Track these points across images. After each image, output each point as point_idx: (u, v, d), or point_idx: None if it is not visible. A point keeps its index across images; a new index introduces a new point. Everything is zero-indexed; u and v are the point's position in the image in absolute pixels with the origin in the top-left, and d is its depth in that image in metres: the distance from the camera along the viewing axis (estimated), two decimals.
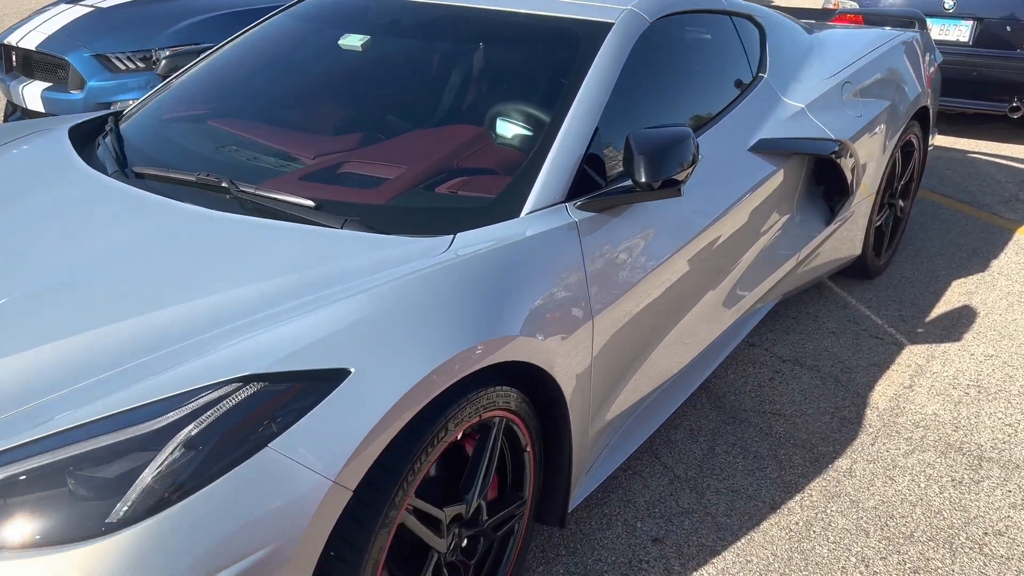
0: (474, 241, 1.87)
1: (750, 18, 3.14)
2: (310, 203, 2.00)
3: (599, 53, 2.33)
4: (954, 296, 3.81)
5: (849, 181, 3.13)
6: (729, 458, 2.69)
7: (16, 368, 1.48)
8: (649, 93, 2.50)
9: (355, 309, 1.57)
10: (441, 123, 2.46)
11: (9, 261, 1.83)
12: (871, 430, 2.85)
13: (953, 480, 2.62)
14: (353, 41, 2.63)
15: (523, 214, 2.00)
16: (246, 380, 1.40)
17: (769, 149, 2.79)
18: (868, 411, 2.95)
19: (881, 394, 3.05)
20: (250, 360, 1.44)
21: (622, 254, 2.13)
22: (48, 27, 5.19)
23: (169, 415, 1.35)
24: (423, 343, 1.57)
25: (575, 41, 2.40)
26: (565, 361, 1.91)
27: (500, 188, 2.10)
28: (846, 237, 3.47)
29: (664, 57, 2.60)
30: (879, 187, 3.56)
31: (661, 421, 2.53)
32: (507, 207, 2.02)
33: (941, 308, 3.71)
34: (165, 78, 3.06)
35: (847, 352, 3.32)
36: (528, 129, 2.32)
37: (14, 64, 5.26)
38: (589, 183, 2.16)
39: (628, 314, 2.15)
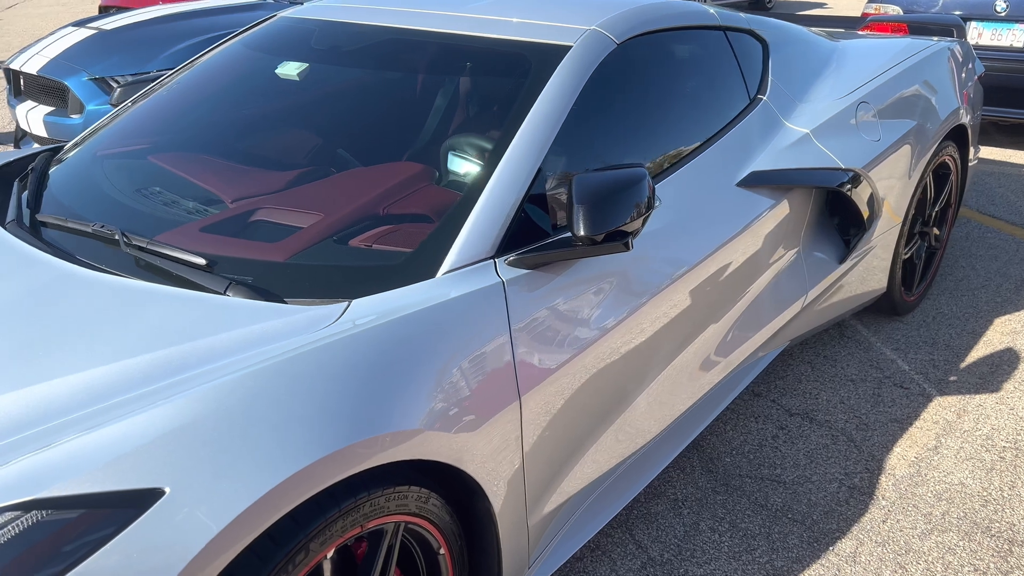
0: (371, 309, 1.59)
1: (751, 32, 2.80)
2: (200, 260, 1.76)
3: (550, 81, 2.04)
4: (996, 336, 3.38)
5: (865, 213, 2.76)
6: (714, 536, 2.35)
7: None
8: (615, 126, 2.20)
9: (191, 406, 1.31)
10: (379, 160, 2.19)
11: None
12: (884, 503, 2.48)
13: (977, 570, 2.24)
14: (290, 70, 2.39)
15: (440, 273, 1.72)
16: (27, 507, 1.15)
17: (762, 183, 2.45)
18: (883, 478, 2.58)
19: (900, 457, 2.68)
20: (44, 477, 1.19)
21: (564, 318, 1.83)
22: (50, 51, 5.12)
23: None
24: (274, 447, 1.30)
25: (525, 67, 2.11)
26: (483, 452, 1.62)
27: (420, 240, 1.82)
28: (868, 272, 3.09)
29: (635, 83, 2.29)
30: (906, 216, 3.17)
31: (635, 493, 2.22)
32: (423, 265, 1.74)
33: (980, 351, 3.29)
34: (116, 107, 2.88)
35: (866, 404, 2.95)
36: (473, 167, 2.04)
37: (22, 88, 5.20)
38: (530, 233, 1.86)
39: (572, 387, 1.85)
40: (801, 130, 2.68)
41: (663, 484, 2.55)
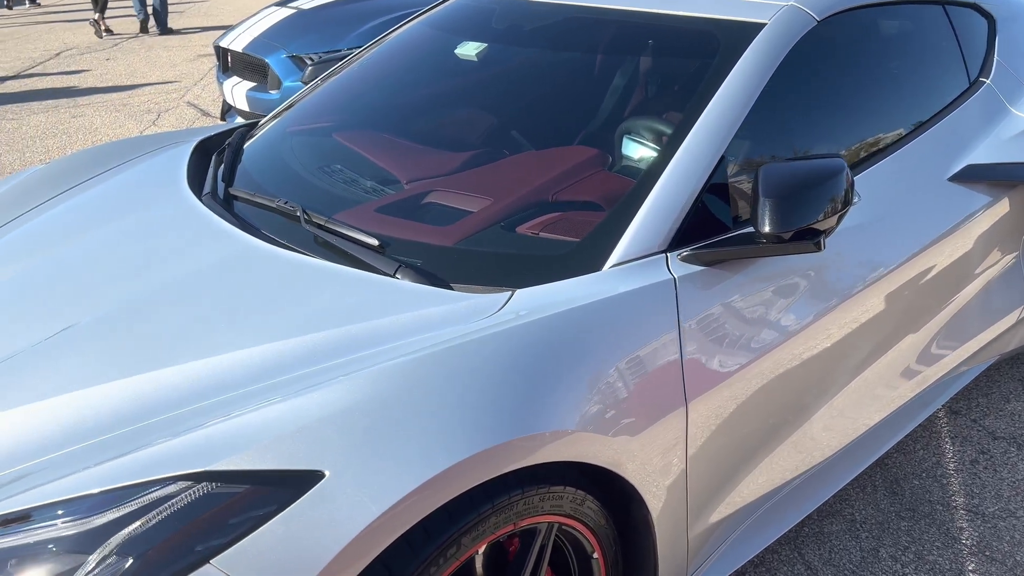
0: (534, 301, 1.54)
1: (975, 6, 2.49)
2: (374, 242, 1.77)
3: (739, 61, 1.89)
4: None
5: None
6: (896, 566, 2.14)
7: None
8: (810, 111, 2.01)
9: (354, 389, 1.31)
10: (553, 143, 2.13)
11: (64, 293, 1.77)
12: None
13: None
14: (469, 50, 2.37)
15: (607, 266, 1.64)
16: (197, 478, 1.19)
17: (980, 178, 2.17)
18: None
19: None
20: (213, 450, 1.23)
21: (740, 320, 1.69)
22: (255, 30, 5.46)
23: (110, 511, 1.18)
24: (434, 437, 1.28)
25: (714, 46, 1.97)
26: (643, 458, 1.53)
27: (588, 230, 1.74)
28: None
29: (836, 64, 2.08)
30: None
31: (809, 511, 2.05)
32: (589, 256, 1.66)
33: None
34: (307, 84, 2.99)
35: None
36: (651, 153, 1.94)
37: (229, 65, 5.59)
38: (707, 226, 1.74)
39: (745, 394, 1.71)
40: None
41: (839, 502, 2.35)
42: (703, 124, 1.79)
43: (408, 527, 1.23)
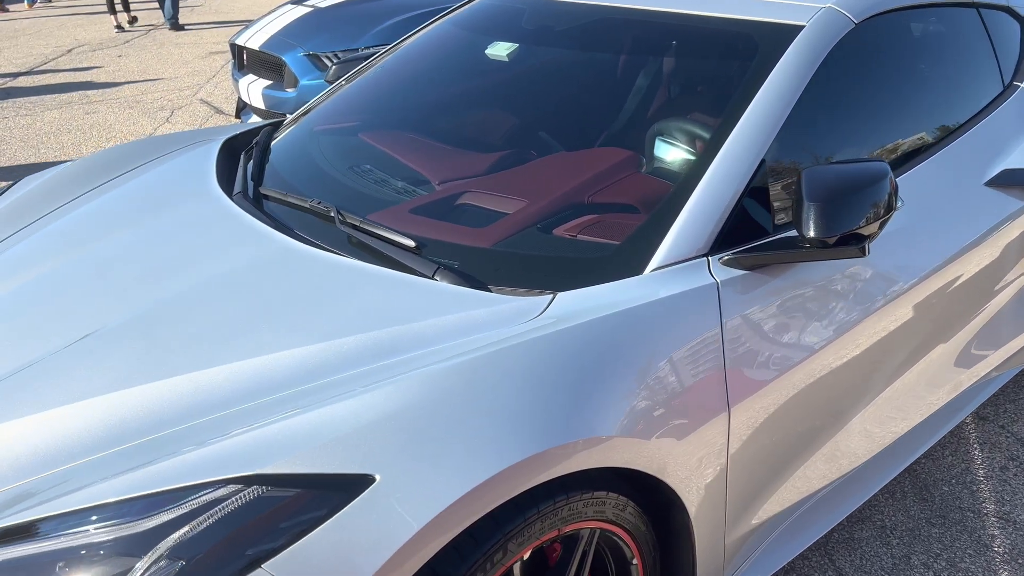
0: (577, 305, 1.53)
1: (1008, 10, 2.47)
2: (410, 243, 1.76)
3: (778, 64, 1.87)
4: None
5: None
6: (928, 574, 2.12)
7: (41, 427, 1.37)
8: (847, 115, 1.99)
9: (401, 392, 1.30)
10: (584, 144, 2.12)
11: (95, 294, 1.76)
12: None
13: None
14: (499, 50, 2.36)
15: (648, 270, 1.62)
16: (248, 481, 1.18)
17: (1017, 183, 2.15)
18: None
19: None
20: (262, 452, 1.22)
21: (781, 325, 1.68)
22: (272, 27, 5.45)
23: (159, 514, 1.17)
24: (483, 442, 1.27)
25: (751, 48, 1.95)
26: (686, 464, 1.52)
27: (628, 233, 1.73)
28: None
29: (873, 67, 2.06)
30: None
31: (841, 517, 2.04)
32: (630, 259, 1.65)
33: None
34: (331, 83, 2.98)
35: None
36: (688, 156, 1.93)
37: (244, 63, 5.57)
38: (747, 230, 1.72)
39: (784, 400, 1.70)
40: None
41: (868, 508, 2.33)
42: (744, 127, 1.78)
43: (458, 532, 1.22)
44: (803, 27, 1.95)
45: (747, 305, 1.63)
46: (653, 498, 1.56)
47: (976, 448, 2.56)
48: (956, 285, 2.04)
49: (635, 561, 1.59)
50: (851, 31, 1.99)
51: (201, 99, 7.19)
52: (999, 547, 2.20)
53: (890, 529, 2.27)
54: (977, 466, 2.49)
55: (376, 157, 2.24)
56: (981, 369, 2.26)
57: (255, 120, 5.54)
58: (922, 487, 2.41)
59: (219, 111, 6.85)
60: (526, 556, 1.38)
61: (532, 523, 1.33)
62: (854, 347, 1.82)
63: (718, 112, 1.91)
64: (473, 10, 2.65)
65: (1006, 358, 2.34)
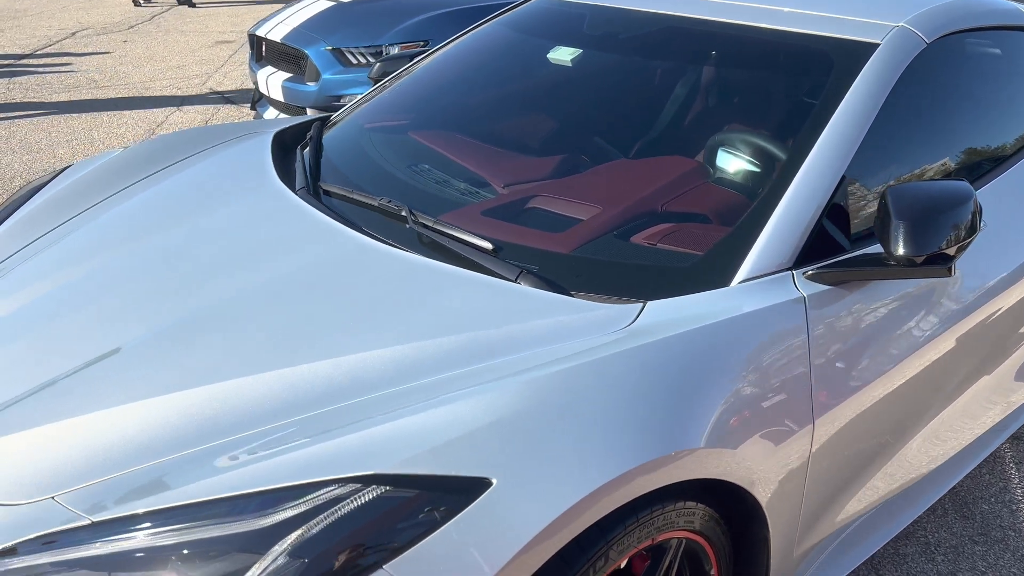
0: (668, 314, 1.53)
1: None
2: (488, 245, 1.75)
3: (856, 81, 1.88)
4: None
5: None
6: None
7: (139, 417, 1.35)
8: (919, 133, 2.01)
9: (512, 397, 1.29)
10: (652, 152, 2.12)
11: (169, 284, 1.74)
12: None
13: None
14: (563, 55, 2.35)
15: (735, 282, 1.63)
16: (367, 481, 1.17)
17: None
18: None
19: None
20: (376, 452, 1.21)
21: (861, 342, 1.69)
22: (294, 20, 5.41)
23: (280, 511, 1.15)
24: (590, 451, 1.26)
25: (827, 65, 1.96)
26: (773, 477, 1.53)
27: (710, 244, 1.73)
28: None
29: (943, 87, 2.08)
30: None
31: (893, 534, 2.05)
32: (717, 270, 1.65)
33: None
34: (377, 82, 2.97)
35: None
36: (756, 168, 1.93)
37: (263, 54, 5.53)
38: (826, 245, 1.73)
39: (860, 416, 1.71)
40: None
41: (912, 524, 2.35)
42: (825, 142, 1.78)
43: (568, 539, 1.22)
44: (878, 45, 1.96)
45: (831, 319, 1.64)
46: (736, 509, 1.57)
47: (1012, 467, 2.59)
48: (1019, 303, 2.06)
49: (712, 572, 1.59)
50: (923, 50, 2.01)
51: (211, 88, 7.13)
52: None
53: (934, 546, 2.29)
54: (1015, 485, 2.51)
55: (433, 157, 2.23)
56: None
57: (271, 112, 5.50)
58: (962, 504, 2.43)
59: (230, 101, 6.80)
60: (623, 564, 1.38)
61: (632, 531, 1.33)
62: (923, 363, 1.84)
63: (792, 126, 1.92)
64: (528, 13, 2.64)
65: None
